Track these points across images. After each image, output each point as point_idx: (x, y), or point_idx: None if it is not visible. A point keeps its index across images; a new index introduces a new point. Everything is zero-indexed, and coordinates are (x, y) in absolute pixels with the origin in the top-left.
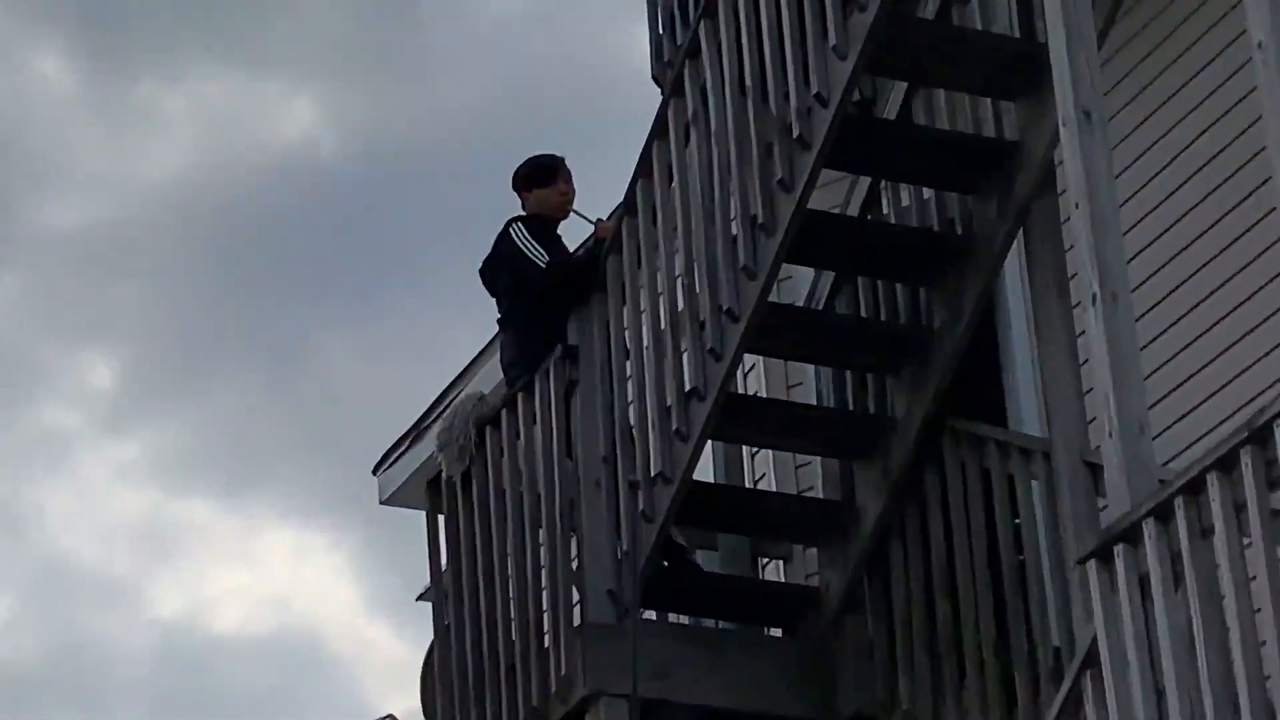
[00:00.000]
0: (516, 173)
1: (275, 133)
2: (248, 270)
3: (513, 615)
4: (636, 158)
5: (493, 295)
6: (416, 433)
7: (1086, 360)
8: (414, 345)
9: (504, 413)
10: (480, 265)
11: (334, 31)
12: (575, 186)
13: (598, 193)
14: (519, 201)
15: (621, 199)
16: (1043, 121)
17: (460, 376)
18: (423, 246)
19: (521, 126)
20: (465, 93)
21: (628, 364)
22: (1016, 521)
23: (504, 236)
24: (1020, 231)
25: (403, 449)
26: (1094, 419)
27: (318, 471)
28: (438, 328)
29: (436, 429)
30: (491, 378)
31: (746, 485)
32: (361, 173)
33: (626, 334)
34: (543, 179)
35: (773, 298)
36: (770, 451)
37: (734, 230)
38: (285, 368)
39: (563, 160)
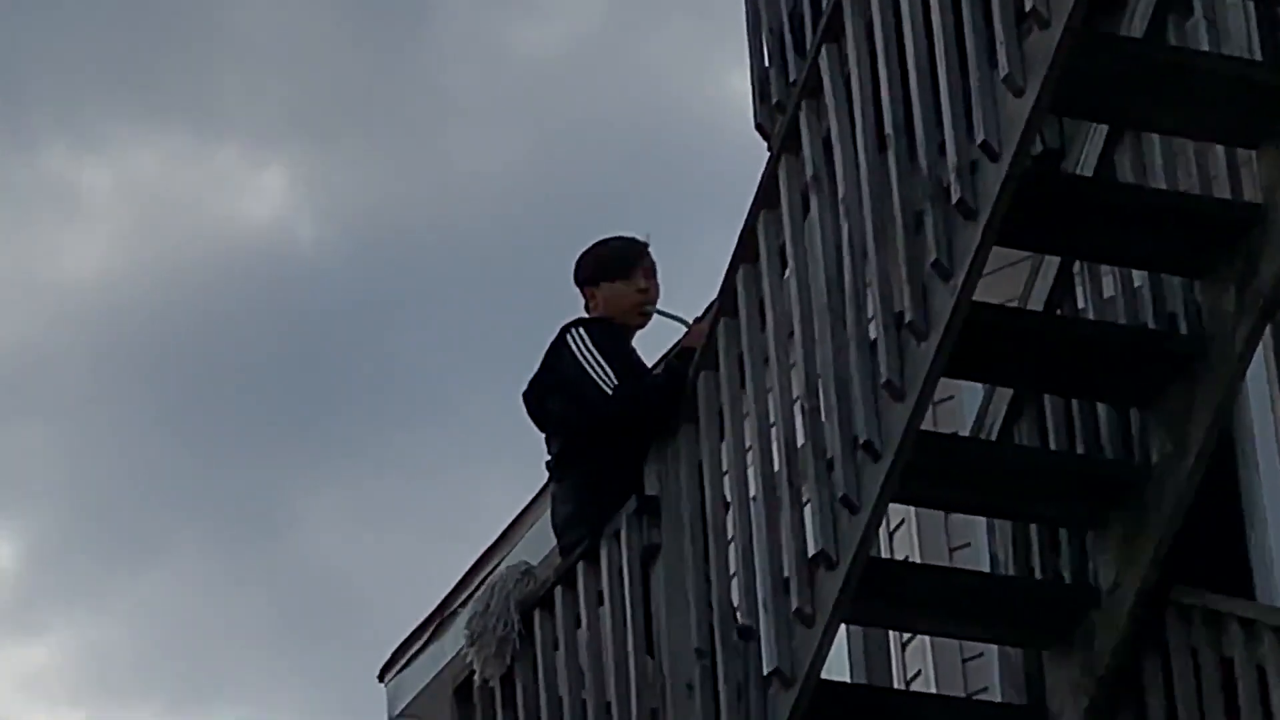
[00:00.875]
0: (580, 261)
1: (233, 216)
2: (199, 407)
3: None
4: (735, 238)
5: (541, 430)
6: (437, 623)
7: None
8: (429, 504)
9: (558, 591)
10: (524, 389)
11: (312, 79)
12: (659, 281)
13: (680, 288)
14: (580, 301)
15: (716, 295)
16: None
17: (495, 545)
18: (437, 370)
19: (570, 201)
20: (491, 157)
21: (728, 521)
22: None
23: (558, 348)
24: (1267, 329)
25: (418, 645)
26: None
27: (302, 678)
28: (461, 480)
29: (466, 616)
30: (538, 545)
31: (895, 686)
32: (352, 269)
33: (726, 480)
34: (616, 270)
35: (927, 425)
36: (927, 639)
37: (872, 333)
38: (254, 540)
39: (645, 246)
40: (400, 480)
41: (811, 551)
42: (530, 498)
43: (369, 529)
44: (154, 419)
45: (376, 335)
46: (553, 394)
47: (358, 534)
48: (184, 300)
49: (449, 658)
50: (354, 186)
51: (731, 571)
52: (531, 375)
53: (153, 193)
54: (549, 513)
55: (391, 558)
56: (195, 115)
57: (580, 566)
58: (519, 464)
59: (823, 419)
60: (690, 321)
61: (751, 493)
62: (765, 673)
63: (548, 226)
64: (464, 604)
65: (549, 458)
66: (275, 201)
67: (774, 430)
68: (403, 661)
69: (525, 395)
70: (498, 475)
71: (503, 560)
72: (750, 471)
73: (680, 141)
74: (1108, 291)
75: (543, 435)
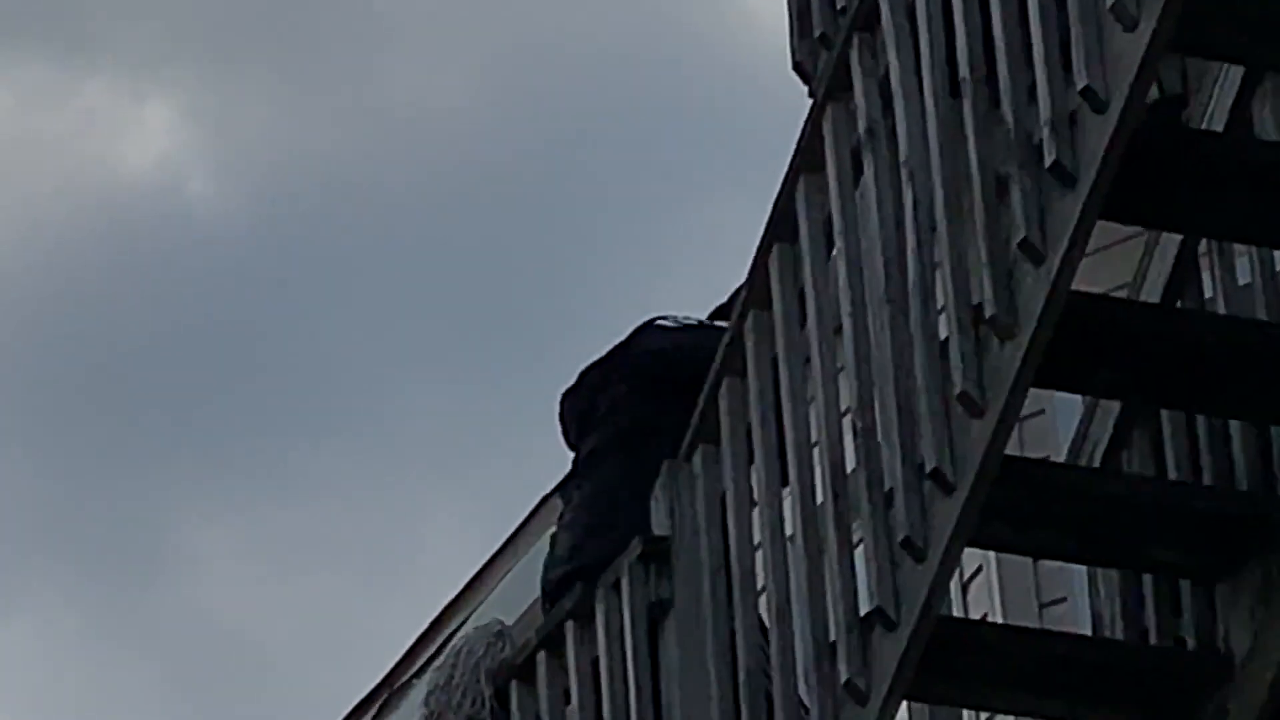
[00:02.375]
0: None
1: (104, 165)
2: (58, 414)
3: None
4: (767, 210)
5: (577, 434)
6: (384, 698)
7: None
8: (357, 540)
9: (541, 658)
10: (572, 385)
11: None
12: None
13: (692, 274)
14: None
15: (743, 282)
16: None
17: (458, 599)
18: (365, 366)
19: (534, 153)
20: (434, 95)
21: (758, 566)
22: None
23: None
24: None
25: None
26: None
27: None
28: (399, 508)
29: (423, 690)
30: (514, 598)
31: None
32: (255, 234)
33: (755, 516)
34: None
35: (1011, 449)
36: (1012, 719)
37: (942, 331)
38: (131, 584)
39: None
40: (318, 508)
41: (865, 608)
42: (504, 539)
43: (279, 570)
44: (0, 429)
45: (287, 320)
46: (627, 379)
47: (264, 576)
48: (40, 271)
49: None
50: (257, 129)
51: (762, 632)
52: (590, 364)
53: (3, 136)
54: (535, 552)
55: (309, 607)
56: (57, 42)
57: (569, 626)
58: (478, 491)
59: (879, 439)
60: None
61: (788, 532)
62: None
63: (506, 183)
64: (419, 673)
65: (575, 462)
66: (157, 146)
67: (817, 453)
68: None
69: (573, 390)
70: (447, 502)
71: (468, 618)
72: (787, 506)
73: (690, 82)
74: (1243, 277)
75: (576, 441)
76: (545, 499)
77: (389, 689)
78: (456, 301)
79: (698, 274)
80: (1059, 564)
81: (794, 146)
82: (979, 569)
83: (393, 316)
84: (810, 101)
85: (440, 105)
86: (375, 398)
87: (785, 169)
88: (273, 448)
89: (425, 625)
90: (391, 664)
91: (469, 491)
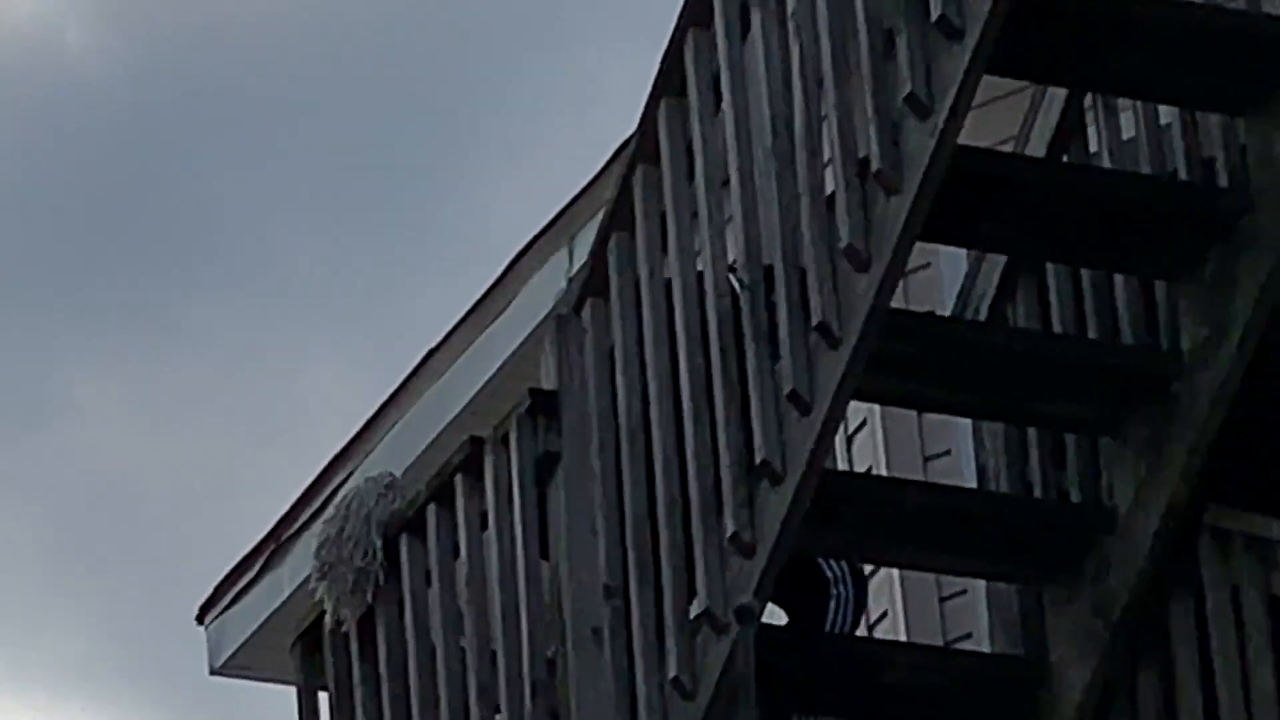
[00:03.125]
0: None
1: None
2: None
3: None
4: (656, 64)
5: None
6: (271, 550)
7: None
8: (242, 391)
9: (431, 511)
10: None
11: None
12: None
13: (585, 128)
14: None
15: (631, 136)
16: None
17: (346, 450)
18: (252, 218)
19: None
20: None
21: (649, 421)
22: None
23: None
24: None
25: (247, 580)
26: None
27: (86, 614)
28: (284, 361)
29: (314, 542)
30: (403, 449)
31: (856, 632)
32: (138, 84)
33: (647, 371)
34: None
35: (897, 302)
36: (895, 572)
37: (830, 185)
38: (14, 435)
39: None
40: (201, 358)
41: (755, 461)
42: (392, 389)
43: (161, 420)
44: None
45: (172, 173)
46: None
47: (147, 426)
48: None
49: (287, 594)
50: None
51: (651, 485)
52: None
53: None
54: (423, 404)
55: (192, 457)
56: None
57: (458, 480)
58: (363, 343)
59: (766, 293)
60: None
61: (678, 386)
62: (693, 615)
63: (401, 29)
64: (307, 525)
65: None
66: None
67: (704, 308)
68: (226, 601)
69: None
70: (330, 353)
71: (356, 470)
72: (677, 361)
73: None
74: (1127, 132)
75: None
76: (432, 352)
77: (276, 541)
78: (341, 151)
79: (580, 123)
80: (944, 417)
81: (682, 2)
82: (864, 422)
83: (275, 165)
84: None
85: None
86: (259, 247)
87: (673, 24)
88: (155, 297)
89: (312, 477)
90: (278, 516)
91: (352, 342)
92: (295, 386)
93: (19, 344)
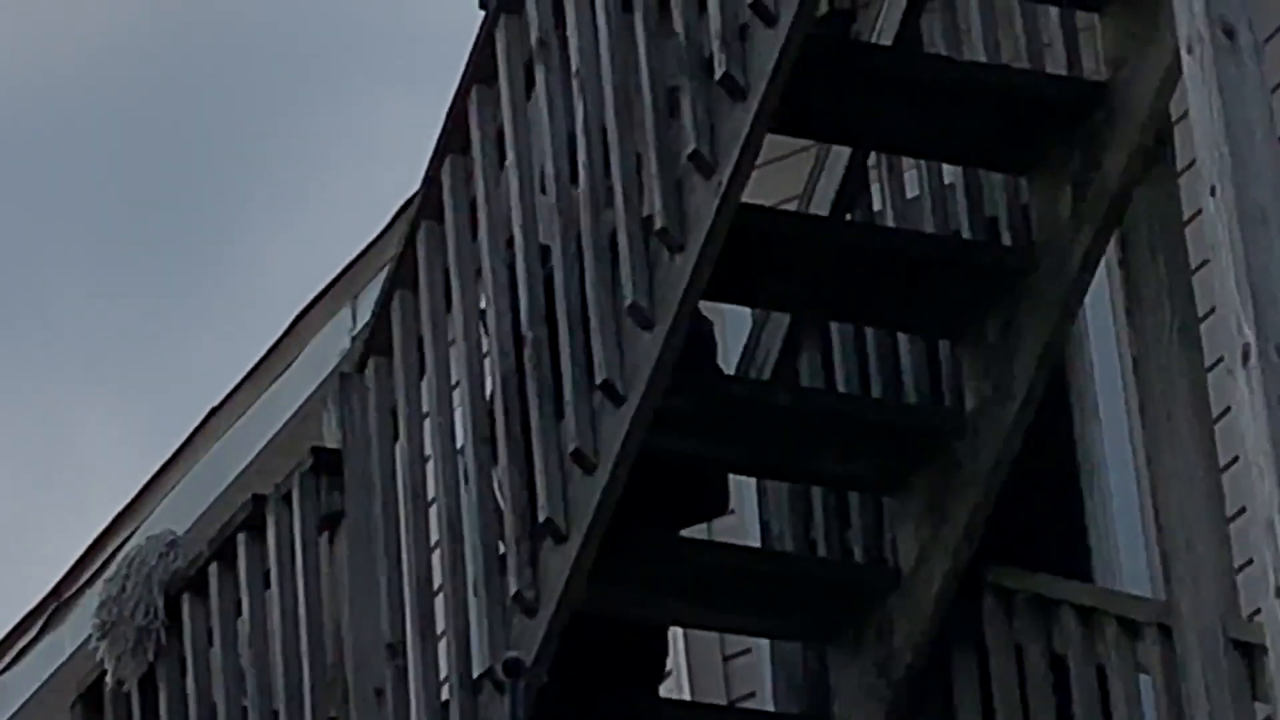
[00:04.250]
0: None
1: None
2: None
3: None
4: (439, 119)
5: None
6: (53, 610)
7: (1234, 462)
8: (16, 442)
9: (213, 570)
10: None
11: None
12: None
13: (364, 187)
14: None
15: (416, 192)
16: (1150, 48)
17: (128, 509)
18: (15, 253)
19: (195, 44)
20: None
21: (429, 480)
22: None
23: None
24: (1113, 241)
25: (27, 638)
26: (1248, 565)
27: None
28: (49, 405)
29: (94, 601)
30: (187, 509)
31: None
32: None
33: (426, 428)
34: None
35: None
36: (679, 631)
37: (619, 242)
38: None
39: None
40: None
41: (539, 520)
42: (174, 447)
43: None
44: None
45: None
46: None
47: None
48: None
49: (69, 654)
50: None
51: (433, 545)
52: None
53: None
54: (204, 464)
55: None
56: None
57: (241, 538)
58: (134, 393)
59: (554, 353)
60: None
61: (459, 444)
62: (475, 675)
63: (179, 69)
64: (88, 584)
65: None
66: None
67: (488, 365)
68: (7, 659)
69: None
70: (99, 406)
71: (137, 529)
72: (457, 417)
73: None
74: (911, 191)
75: None
76: (214, 411)
77: (57, 599)
78: (114, 193)
79: (358, 175)
80: (734, 476)
81: (467, 58)
82: None
83: (46, 206)
84: (483, 13)
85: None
86: (29, 297)
87: (459, 80)
88: None
89: (94, 535)
90: (59, 575)
91: (123, 392)
92: (63, 434)
93: None
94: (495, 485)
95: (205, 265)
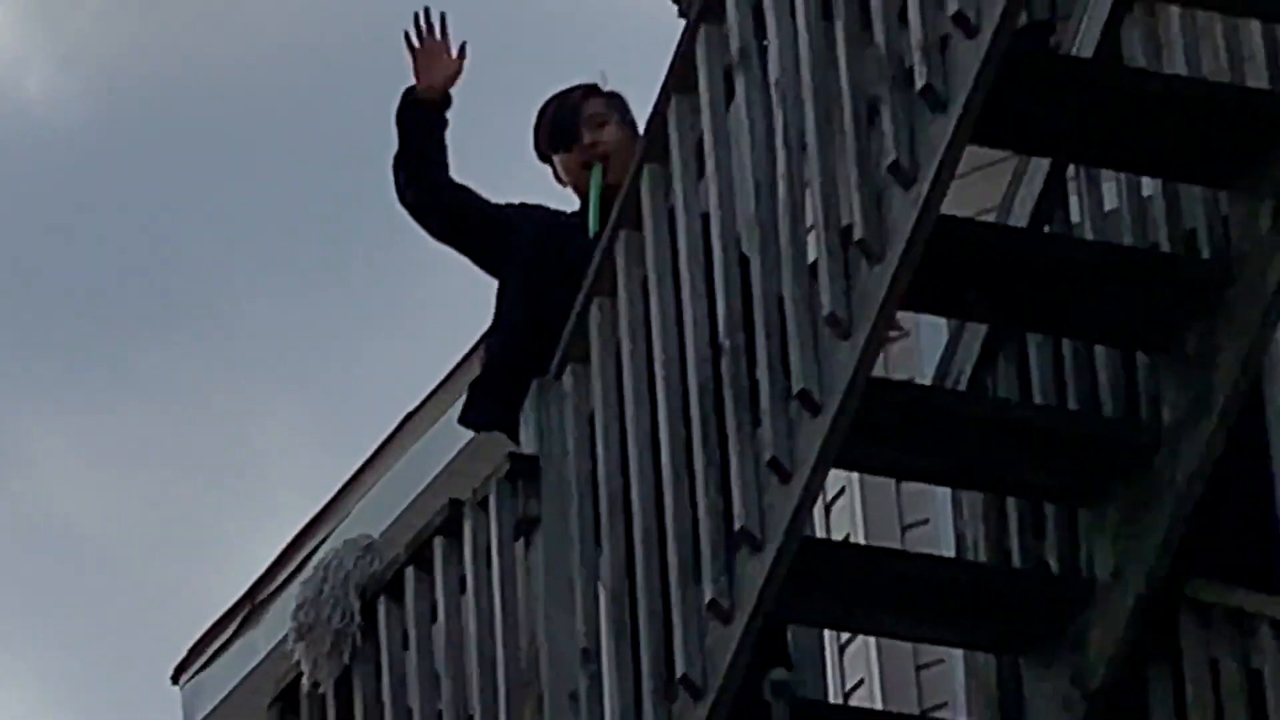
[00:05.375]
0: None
1: None
2: None
3: None
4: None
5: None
6: (247, 611)
7: None
8: (203, 442)
9: (409, 573)
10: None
11: None
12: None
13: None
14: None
15: (615, 204)
16: None
17: (325, 511)
18: (205, 266)
19: (394, 60)
20: (290, 13)
21: (629, 483)
22: None
23: None
24: None
25: (223, 639)
26: None
27: (45, 668)
28: (234, 409)
29: (290, 603)
30: (382, 512)
31: (831, 699)
32: (96, 129)
33: (629, 437)
34: (560, 140)
35: (879, 370)
36: (872, 640)
37: (813, 253)
38: None
39: (582, 93)
40: (154, 408)
41: (733, 528)
42: (373, 448)
43: (114, 469)
44: None
45: (127, 218)
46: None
47: (100, 475)
48: None
49: (263, 655)
50: (94, 22)
51: (626, 554)
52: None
53: None
54: (400, 468)
55: (147, 507)
56: None
57: (437, 543)
58: (314, 395)
59: (746, 361)
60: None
61: (657, 453)
62: (671, 680)
63: (359, 84)
64: (283, 586)
65: None
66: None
67: (687, 374)
68: (201, 660)
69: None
70: (284, 407)
71: (336, 531)
72: (657, 426)
73: None
74: (1109, 203)
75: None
76: (410, 415)
77: (252, 601)
78: (301, 203)
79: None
80: (922, 486)
81: (666, 69)
82: (842, 490)
83: (235, 214)
84: (683, 23)
85: (299, 30)
86: (213, 297)
87: (658, 91)
88: (108, 344)
89: (288, 538)
90: (253, 578)
91: (304, 394)
92: (246, 436)
93: None
94: (691, 493)
95: (391, 267)
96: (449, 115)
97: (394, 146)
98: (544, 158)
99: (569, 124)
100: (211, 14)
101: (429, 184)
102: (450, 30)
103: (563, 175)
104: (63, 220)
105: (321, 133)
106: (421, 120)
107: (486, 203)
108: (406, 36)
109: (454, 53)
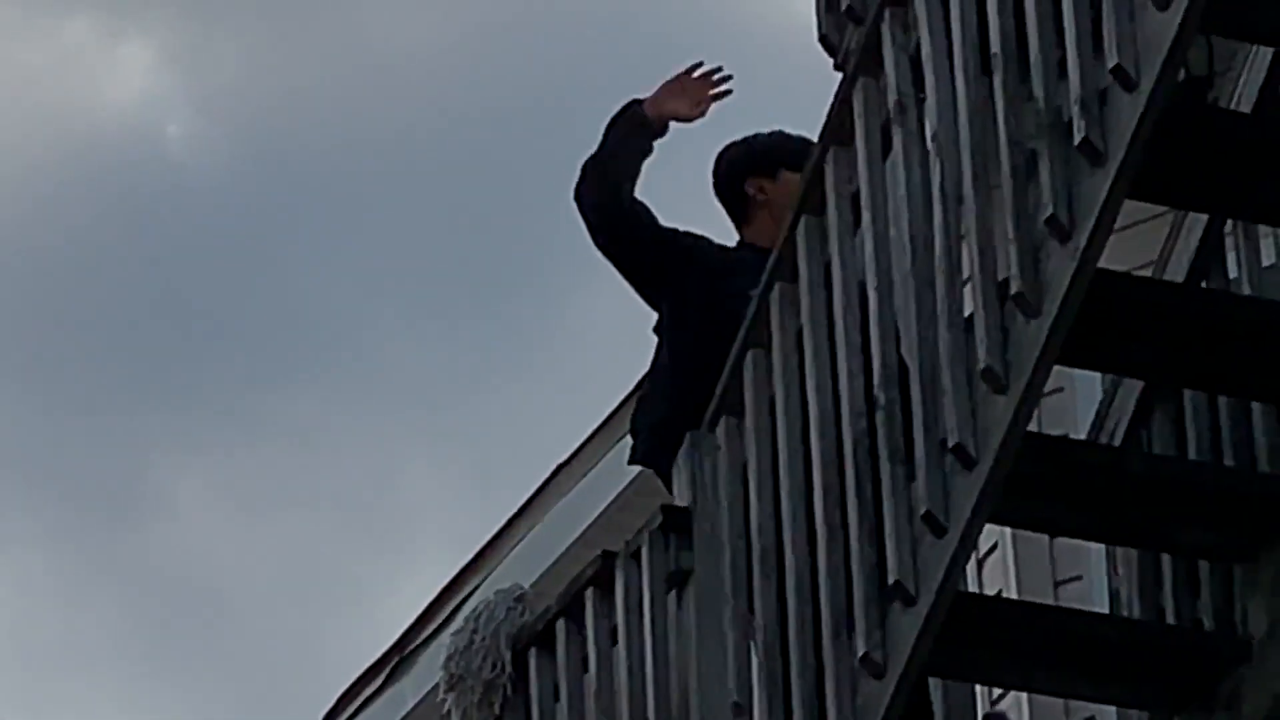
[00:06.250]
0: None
1: (80, 104)
2: (35, 357)
3: None
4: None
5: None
6: (396, 661)
7: None
8: (342, 487)
9: (560, 625)
10: None
11: None
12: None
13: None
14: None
15: (771, 254)
16: None
17: (475, 561)
18: (341, 309)
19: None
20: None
21: (781, 536)
22: None
23: None
24: None
25: (371, 689)
26: None
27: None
28: (373, 452)
29: (442, 653)
30: (532, 563)
31: None
32: (233, 176)
33: (782, 490)
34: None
35: (1033, 426)
36: (1024, 696)
37: (968, 306)
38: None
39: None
40: (294, 453)
41: (887, 581)
42: (525, 498)
43: (252, 516)
44: None
45: (265, 263)
46: None
47: (239, 521)
48: (14, 215)
49: (410, 705)
50: (236, 68)
51: (778, 605)
52: None
53: None
54: (550, 517)
55: (289, 554)
56: None
57: (589, 594)
58: (457, 444)
59: (899, 412)
60: None
61: (810, 506)
62: None
63: (490, 128)
64: (432, 637)
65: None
66: (135, 86)
67: (840, 427)
68: (350, 710)
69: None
70: (427, 456)
71: (487, 582)
72: (810, 479)
73: (707, 46)
74: (1267, 258)
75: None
76: (562, 465)
77: (401, 651)
78: (445, 244)
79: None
80: (1075, 542)
81: (823, 119)
82: (994, 545)
83: (373, 260)
84: (837, 75)
85: (425, 46)
86: (355, 343)
87: (815, 142)
88: (251, 391)
89: (438, 588)
90: (403, 627)
91: (447, 443)
92: (388, 484)
93: (117, 439)
94: (845, 546)
95: (537, 314)
96: (656, 146)
97: (591, 148)
98: (735, 185)
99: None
100: (342, 62)
101: (614, 189)
102: (720, 90)
103: (771, 196)
104: (205, 266)
105: (471, 173)
106: (633, 134)
107: (662, 226)
108: (690, 69)
109: (702, 104)
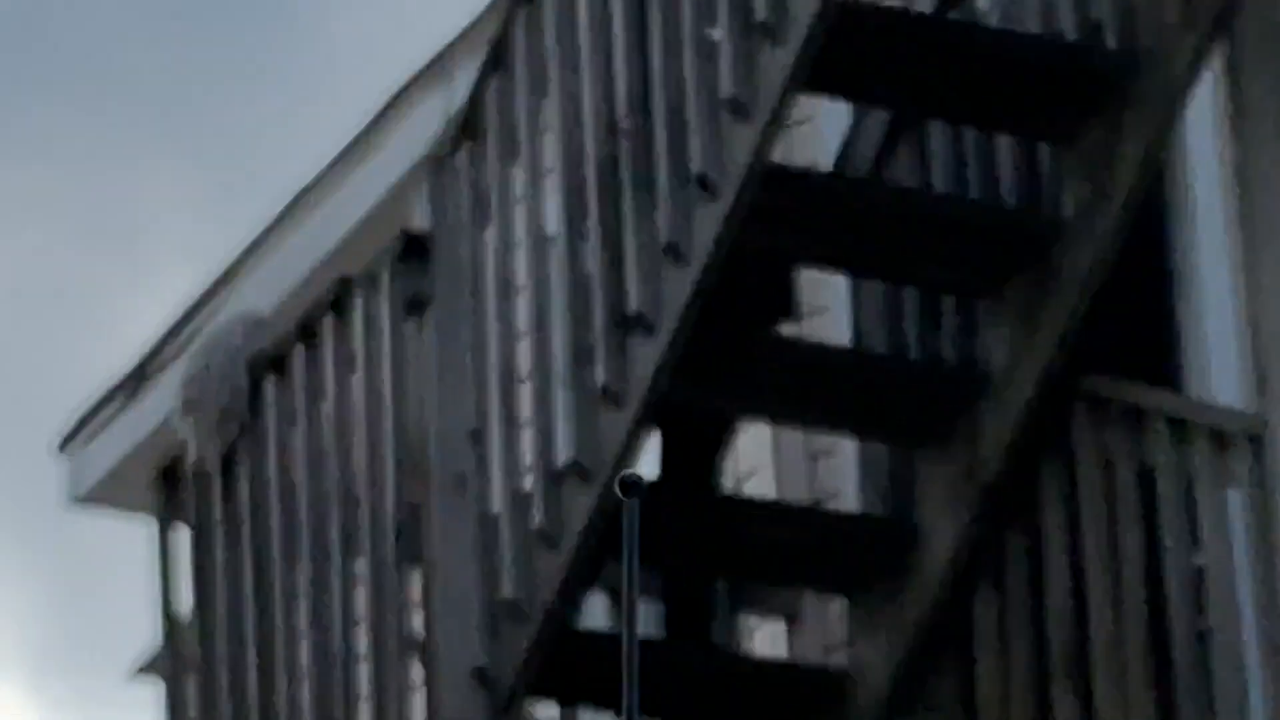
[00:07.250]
0: None
1: None
2: None
3: (304, 706)
4: None
5: None
6: (135, 383)
7: None
8: (84, 201)
9: (297, 350)
10: None
11: None
12: None
13: None
14: None
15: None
16: None
17: (216, 285)
18: (94, 11)
19: None
20: None
21: (518, 262)
22: (1199, 563)
23: None
24: (1221, 46)
25: (109, 410)
26: None
27: None
28: (122, 176)
29: (179, 376)
30: (273, 288)
31: (723, 488)
32: None
33: (518, 214)
34: None
35: (778, 156)
36: (765, 429)
37: (715, 34)
38: None
39: None
40: (40, 165)
41: (628, 311)
42: (266, 223)
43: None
44: None
45: None
46: None
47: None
48: None
49: (152, 428)
50: None
51: (519, 331)
52: None
53: None
54: (291, 245)
55: (30, 266)
56: None
57: (326, 320)
58: (205, 160)
59: (643, 137)
60: None
61: (550, 231)
62: (560, 465)
63: None
64: (172, 358)
65: None
66: None
67: (583, 152)
68: (86, 430)
69: None
70: (174, 170)
71: (225, 305)
72: (550, 204)
73: None
74: None
75: None
76: (304, 190)
77: (141, 373)
78: None
79: None
80: (820, 274)
81: None
82: None
83: None
84: None
85: None
86: (91, 48)
87: None
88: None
89: (179, 312)
90: (142, 350)
91: (195, 158)
92: (132, 197)
93: None
94: (584, 276)
95: (299, 41)
96: None
97: None
98: None
99: None
100: None
101: None
102: None
103: None
104: None
105: None
106: None
107: None
108: None
109: None
